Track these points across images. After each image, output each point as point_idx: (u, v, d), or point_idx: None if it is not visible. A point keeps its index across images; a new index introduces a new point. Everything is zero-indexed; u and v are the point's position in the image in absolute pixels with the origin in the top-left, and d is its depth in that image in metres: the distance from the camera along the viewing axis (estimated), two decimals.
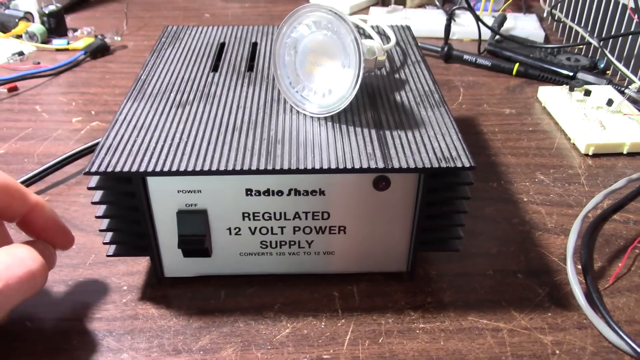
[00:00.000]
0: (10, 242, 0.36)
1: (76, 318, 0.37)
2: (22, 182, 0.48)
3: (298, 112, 0.40)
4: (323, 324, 0.37)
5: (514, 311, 0.38)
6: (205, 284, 0.40)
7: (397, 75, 0.45)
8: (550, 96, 0.62)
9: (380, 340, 0.36)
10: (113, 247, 0.38)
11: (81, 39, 0.78)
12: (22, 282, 0.31)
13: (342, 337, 0.36)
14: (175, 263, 0.39)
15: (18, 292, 0.31)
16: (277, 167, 0.34)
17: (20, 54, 0.74)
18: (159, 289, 0.39)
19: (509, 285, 0.40)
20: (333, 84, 0.39)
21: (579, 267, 0.41)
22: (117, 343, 0.36)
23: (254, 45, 0.51)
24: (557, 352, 0.35)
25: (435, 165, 0.34)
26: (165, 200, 0.36)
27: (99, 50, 0.75)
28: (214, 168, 0.34)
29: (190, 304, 0.38)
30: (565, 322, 0.37)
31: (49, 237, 0.36)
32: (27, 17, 0.80)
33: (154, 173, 0.34)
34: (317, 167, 0.34)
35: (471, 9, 0.72)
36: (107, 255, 0.38)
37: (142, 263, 0.42)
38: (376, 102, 0.41)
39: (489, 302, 0.39)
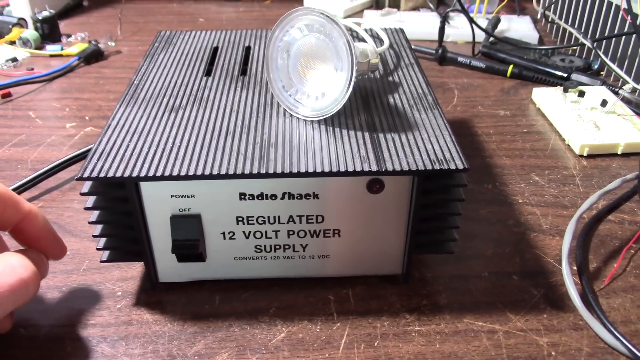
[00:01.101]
0: (6, 250, 0.36)
1: (70, 324, 0.37)
2: (16, 189, 0.48)
3: (291, 115, 0.40)
4: (318, 327, 0.37)
5: (510, 313, 0.38)
6: (200, 289, 0.40)
7: (390, 78, 0.45)
8: (545, 97, 0.62)
9: (375, 344, 0.36)
10: (107, 252, 0.38)
11: (75, 45, 0.78)
12: (14, 290, 0.31)
13: (337, 340, 0.36)
14: (170, 268, 0.39)
15: (9, 300, 0.31)
16: (271, 170, 0.34)
17: (14, 60, 0.73)
18: (153, 295, 0.39)
19: (505, 287, 0.40)
20: (326, 87, 0.39)
21: (574, 268, 0.41)
22: (111, 349, 0.35)
23: (247, 49, 0.51)
24: (553, 353, 0.35)
25: (429, 167, 0.34)
26: (159, 205, 0.36)
27: (93, 56, 0.75)
28: (207, 172, 0.34)
29: (184, 309, 0.38)
30: (561, 323, 0.37)
31: (41, 246, 0.36)
32: (21, 23, 0.79)
33: (147, 178, 0.34)
34: (311, 170, 0.34)
35: (465, 12, 0.72)
36: (101, 261, 0.38)
37: (136, 268, 0.41)
38: (369, 105, 0.41)
39: (485, 304, 0.39)
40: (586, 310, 0.38)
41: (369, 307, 0.38)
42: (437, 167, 0.34)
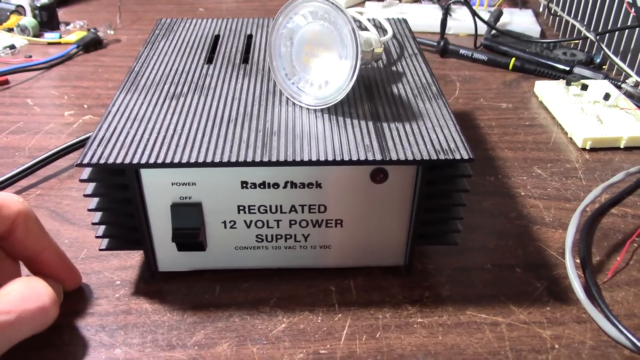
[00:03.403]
0: (18, 276, 0.36)
1: (68, 313, 0.37)
2: (13, 176, 0.47)
3: (294, 104, 0.39)
4: (320, 318, 0.37)
5: (513, 305, 0.38)
6: (200, 279, 0.39)
7: (394, 68, 0.45)
8: (547, 90, 0.62)
9: (377, 335, 0.35)
10: (106, 240, 0.38)
11: (73, 33, 0.77)
12: (34, 317, 0.31)
13: (339, 331, 0.36)
14: (169, 257, 0.38)
15: (28, 327, 0.31)
16: (273, 159, 0.33)
17: (12, 47, 0.73)
18: (152, 284, 0.39)
19: (507, 279, 0.40)
20: (330, 75, 0.38)
21: (578, 261, 0.41)
22: (109, 338, 0.35)
23: (249, 37, 0.50)
24: (557, 346, 0.35)
25: (434, 157, 0.34)
26: (159, 192, 0.35)
27: (92, 44, 0.74)
28: (208, 160, 0.33)
29: (184, 299, 0.38)
30: (564, 316, 0.37)
31: (59, 276, 0.36)
32: (19, 10, 0.78)
33: (147, 165, 0.33)
34: (314, 159, 0.33)
35: (467, 4, 0.72)
36: (100, 249, 0.37)
37: (135, 257, 0.41)
38: (373, 94, 0.41)
39: (488, 296, 0.38)
40: (589, 303, 0.37)
41: (371, 298, 0.38)
42: (442, 157, 0.34)
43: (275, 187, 0.35)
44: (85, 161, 0.33)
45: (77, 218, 0.45)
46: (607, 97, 0.58)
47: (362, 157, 0.34)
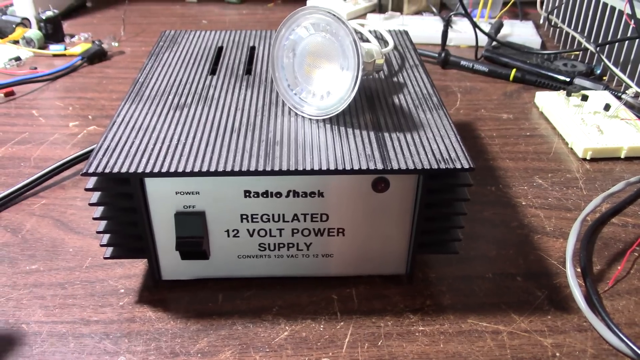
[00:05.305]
0: None
1: (73, 321, 0.37)
2: (21, 188, 0.48)
3: (296, 114, 0.40)
4: (322, 326, 0.37)
5: (514, 314, 0.38)
6: (203, 287, 0.39)
7: (395, 79, 0.45)
8: (548, 101, 0.62)
9: (379, 343, 0.36)
10: (110, 249, 0.38)
11: (78, 45, 0.78)
12: None
13: (341, 340, 0.36)
14: (173, 266, 0.39)
15: None
16: (276, 168, 0.34)
17: (17, 59, 0.73)
18: (156, 292, 0.39)
19: (508, 288, 0.40)
20: (331, 86, 0.39)
21: (578, 270, 0.41)
22: (114, 346, 0.35)
23: (252, 49, 0.51)
24: (558, 354, 0.35)
25: (435, 166, 0.34)
26: (163, 201, 0.36)
27: (96, 56, 0.75)
28: (212, 169, 0.34)
29: (187, 307, 0.38)
30: (565, 324, 0.37)
31: None
32: (24, 22, 0.80)
33: (151, 174, 0.33)
34: (316, 168, 0.34)
35: (468, 16, 0.72)
36: (104, 258, 0.38)
37: (139, 266, 0.41)
38: (375, 104, 0.41)
39: (489, 304, 0.39)
40: (590, 312, 0.37)
41: (373, 306, 0.38)
42: (442, 166, 0.34)
43: (278, 196, 0.36)
44: (91, 170, 0.33)
45: (82, 227, 0.45)
46: (607, 107, 0.59)
47: (364, 167, 0.34)
